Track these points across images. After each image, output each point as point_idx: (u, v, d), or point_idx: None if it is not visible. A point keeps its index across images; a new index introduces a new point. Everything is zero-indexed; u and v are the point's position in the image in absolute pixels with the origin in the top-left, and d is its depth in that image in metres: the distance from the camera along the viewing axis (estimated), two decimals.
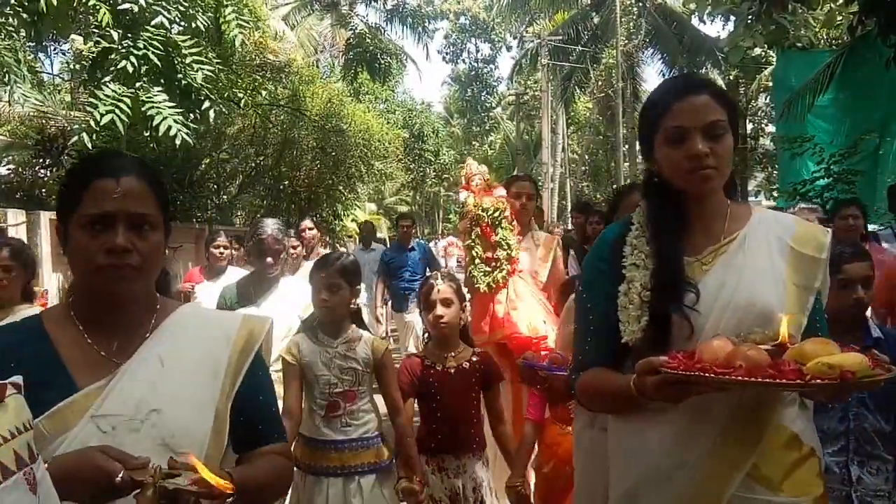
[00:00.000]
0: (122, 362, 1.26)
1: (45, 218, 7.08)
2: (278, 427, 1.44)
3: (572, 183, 30.03)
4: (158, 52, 6.45)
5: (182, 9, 6.80)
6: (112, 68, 6.50)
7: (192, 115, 6.80)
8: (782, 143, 8.88)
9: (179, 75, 6.67)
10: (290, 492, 2.36)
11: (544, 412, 2.76)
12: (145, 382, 1.25)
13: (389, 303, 7.63)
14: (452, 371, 2.78)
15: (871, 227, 5.44)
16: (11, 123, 10.25)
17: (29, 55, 8.62)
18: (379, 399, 2.80)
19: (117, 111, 6.07)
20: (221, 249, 4.83)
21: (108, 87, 6.33)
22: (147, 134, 6.56)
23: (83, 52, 7.52)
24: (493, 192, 3.86)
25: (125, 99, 6.17)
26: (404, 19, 20.56)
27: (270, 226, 3.39)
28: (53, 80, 12.08)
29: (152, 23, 6.51)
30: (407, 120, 25.66)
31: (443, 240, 13.38)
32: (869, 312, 2.54)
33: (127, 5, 6.41)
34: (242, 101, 8.74)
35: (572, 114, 28.40)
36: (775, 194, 11.60)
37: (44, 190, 9.96)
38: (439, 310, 2.76)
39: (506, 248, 3.72)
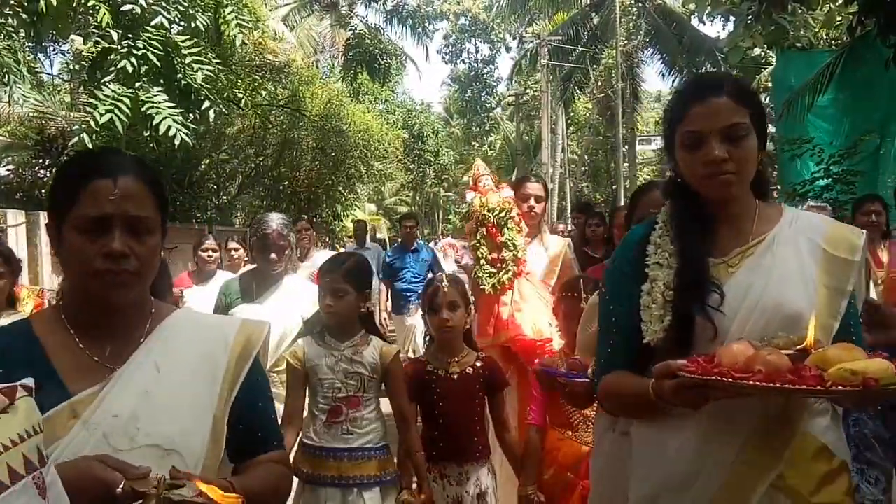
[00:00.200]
0: (115, 368, 1.22)
1: (45, 219, 7.06)
2: (277, 434, 1.41)
3: (572, 183, 30.03)
4: (158, 52, 6.44)
5: (182, 9, 6.79)
6: (112, 68, 6.50)
7: (191, 115, 6.80)
8: (782, 144, 8.88)
9: (179, 76, 6.66)
10: (290, 500, 2.28)
11: (545, 417, 2.71)
12: (140, 389, 1.21)
13: (389, 304, 7.50)
14: (456, 377, 2.69)
15: None
16: (11, 124, 10.26)
17: (28, 56, 8.63)
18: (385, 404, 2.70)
19: (117, 111, 6.07)
20: (210, 252, 4.69)
21: (107, 87, 6.33)
22: (147, 134, 6.55)
23: (83, 53, 7.52)
24: (500, 191, 3.75)
25: (125, 99, 6.17)
26: (404, 20, 20.57)
27: (275, 220, 3.25)
28: (53, 81, 12.08)
29: (152, 23, 6.51)
30: (407, 120, 25.70)
31: (441, 241, 13.33)
32: None
33: (127, 6, 6.41)
34: (242, 101, 8.73)
35: (572, 114, 28.40)
36: (775, 195, 11.60)
37: (43, 190, 9.95)
38: (445, 313, 2.67)
39: (512, 249, 3.63)
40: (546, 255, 3.86)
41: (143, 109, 6.29)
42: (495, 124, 37.94)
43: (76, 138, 6.45)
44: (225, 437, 1.26)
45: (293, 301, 3.18)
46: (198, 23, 6.81)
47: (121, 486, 1.03)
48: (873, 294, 3.48)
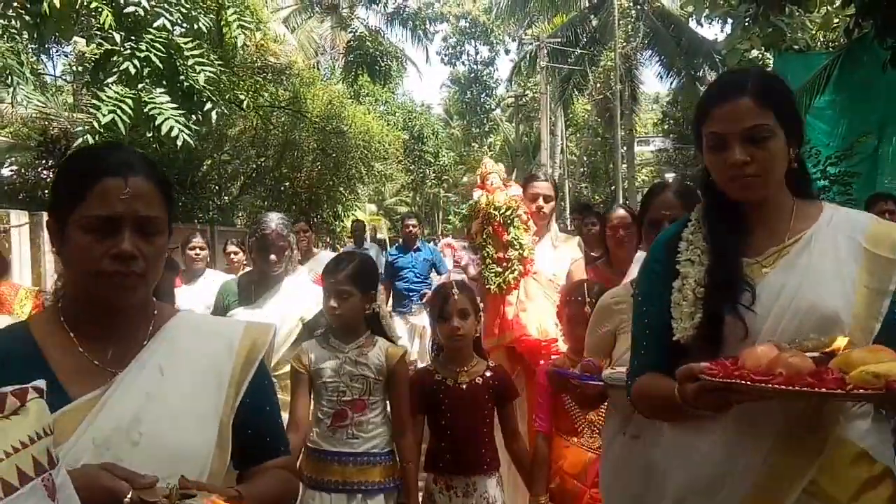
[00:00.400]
0: (117, 372, 1.18)
1: (46, 222, 7.09)
2: (284, 440, 1.37)
3: (571, 184, 30.07)
4: (161, 54, 6.46)
5: (184, 11, 6.82)
6: (114, 70, 6.52)
7: (194, 116, 6.83)
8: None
9: (181, 77, 6.69)
10: None
11: (552, 423, 2.64)
12: (143, 393, 1.17)
13: (390, 304, 7.44)
14: (464, 387, 2.59)
15: None
16: (14, 125, 10.30)
17: (31, 57, 8.67)
18: None
19: (119, 112, 6.08)
20: (197, 251, 4.60)
21: (110, 88, 6.36)
22: (149, 135, 6.59)
23: (85, 55, 7.56)
24: (507, 189, 3.67)
25: (127, 100, 6.18)
26: (405, 22, 20.61)
27: (274, 220, 3.15)
28: (56, 82, 12.12)
29: (154, 25, 6.53)
30: (407, 122, 25.73)
31: (441, 241, 13.35)
32: None
33: (129, 8, 6.44)
34: (244, 102, 8.77)
35: (571, 116, 28.46)
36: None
37: (46, 191, 9.99)
38: (455, 321, 2.56)
39: (518, 248, 3.56)
40: (554, 251, 3.76)
41: (145, 110, 6.32)
42: (495, 125, 37.99)
43: (79, 139, 6.48)
44: (230, 443, 1.22)
45: (293, 303, 3.10)
46: (200, 24, 6.84)
47: (128, 496, 1.00)
48: None
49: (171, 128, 6.25)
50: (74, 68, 9.96)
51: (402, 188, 28.23)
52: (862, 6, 6.98)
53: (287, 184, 13.50)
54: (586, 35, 23.66)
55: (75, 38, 8.28)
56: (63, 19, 6.75)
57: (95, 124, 6.19)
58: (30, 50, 8.60)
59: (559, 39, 23.59)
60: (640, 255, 3.50)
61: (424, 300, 6.83)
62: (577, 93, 25.09)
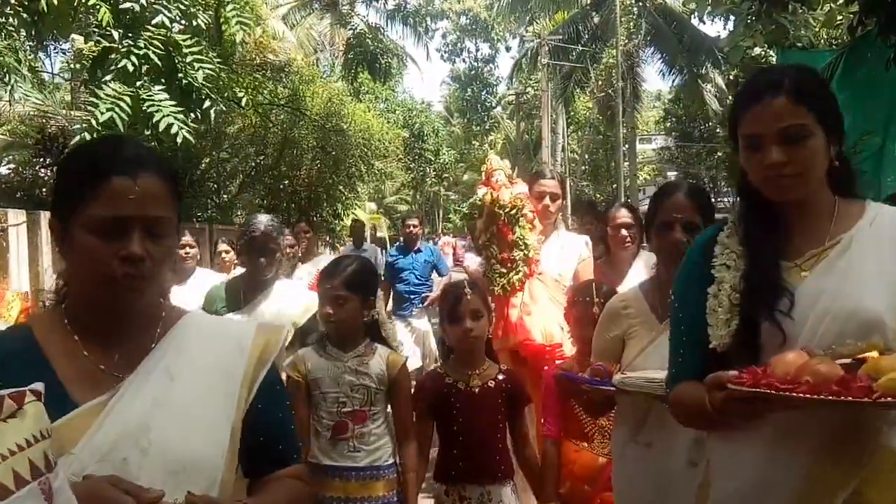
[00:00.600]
0: (124, 376, 1.14)
1: (46, 218, 7.07)
2: (297, 447, 1.32)
3: (572, 182, 30.03)
4: (159, 51, 6.41)
5: (182, 7, 6.78)
6: (112, 67, 6.49)
7: (192, 114, 6.79)
8: None
9: (180, 74, 6.65)
10: None
11: (561, 428, 2.59)
12: (151, 399, 1.13)
13: (390, 305, 7.23)
14: (477, 390, 2.50)
15: None
16: (12, 123, 10.27)
17: (29, 55, 8.62)
18: None
19: (117, 110, 6.05)
20: (187, 249, 4.45)
21: (108, 86, 6.32)
22: (148, 133, 6.54)
23: (84, 52, 7.52)
24: (513, 187, 3.52)
25: (125, 98, 6.15)
26: (405, 19, 20.55)
27: (263, 222, 3.06)
28: (53, 80, 12.08)
29: (153, 22, 6.49)
30: (407, 119, 25.69)
31: (440, 240, 13.31)
32: None
33: (127, 4, 6.39)
34: (243, 100, 8.72)
35: (572, 113, 28.42)
36: None
37: (44, 189, 9.96)
38: (468, 323, 2.47)
39: (523, 248, 3.43)
40: (561, 251, 3.63)
41: (143, 108, 6.28)
42: (496, 123, 37.96)
43: (77, 137, 6.44)
44: (240, 449, 1.19)
45: (284, 307, 2.99)
46: (199, 21, 6.80)
47: None
48: None
49: (170, 125, 6.20)
50: (72, 65, 9.92)
51: (402, 186, 28.20)
52: (866, 3, 6.92)
53: (286, 182, 13.47)
54: (588, 32, 23.61)
55: (73, 36, 8.23)
56: (61, 16, 6.70)
57: (93, 122, 6.14)
58: (27, 48, 8.57)
59: (560, 36, 23.53)
60: (643, 256, 3.45)
61: (426, 303, 6.79)
62: (578, 90, 25.05)
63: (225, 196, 13.46)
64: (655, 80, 27.39)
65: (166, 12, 6.53)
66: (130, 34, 6.53)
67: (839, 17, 10.66)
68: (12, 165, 10.52)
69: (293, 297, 3.07)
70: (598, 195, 28.30)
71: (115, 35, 6.49)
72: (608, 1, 22.55)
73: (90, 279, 1.13)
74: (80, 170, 1.14)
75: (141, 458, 1.08)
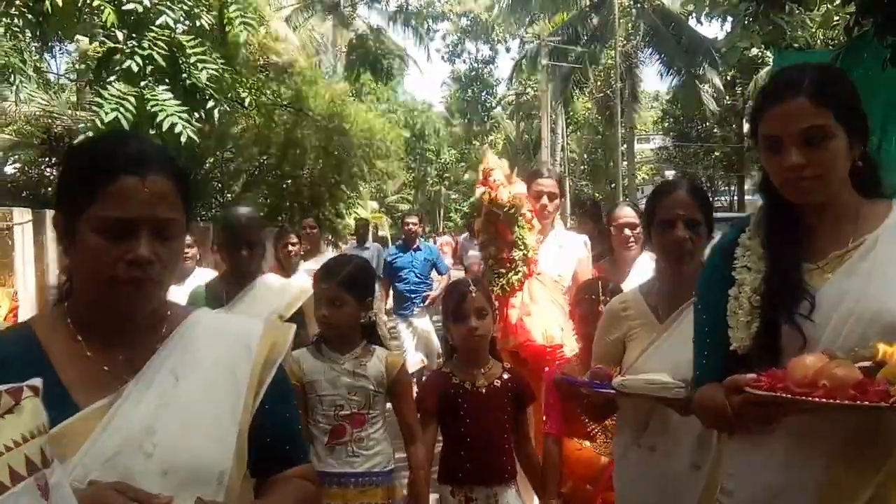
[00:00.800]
0: (128, 378, 1.10)
1: (51, 216, 7.12)
2: (305, 447, 1.31)
3: (571, 182, 30.09)
4: (163, 51, 6.45)
5: (186, 8, 6.84)
6: (117, 68, 6.54)
7: (196, 114, 6.85)
8: None
9: (184, 75, 6.70)
10: None
11: (563, 426, 2.54)
12: (157, 401, 1.09)
13: (390, 303, 7.21)
14: (484, 391, 2.44)
15: None
16: (17, 123, 10.33)
17: (34, 56, 8.70)
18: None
19: (122, 110, 6.10)
20: (185, 248, 4.35)
21: (112, 86, 6.38)
22: (152, 132, 6.62)
23: (88, 53, 7.58)
24: (511, 186, 3.47)
25: (130, 98, 6.20)
26: (407, 20, 20.62)
27: (243, 213, 2.94)
28: (59, 81, 12.15)
29: (157, 23, 6.54)
30: (408, 120, 25.74)
31: (439, 239, 13.31)
32: None
33: (131, 5, 6.44)
34: (246, 101, 8.78)
35: (571, 114, 28.46)
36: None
37: (50, 189, 10.04)
38: (473, 321, 2.41)
39: (522, 248, 3.37)
40: (560, 250, 3.58)
41: (148, 108, 6.34)
42: (496, 123, 38.00)
43: (82, 137, 6.50)
44: (247, 451, 1.15)
45: (267, 304, 2.83)
46: (202, 22, 6.85)
47: None
48: None
49: (174, 125, 6.25)
50: (77, 66, 10.00)
51: (403, 186, 28.25)
52: (862, 4, 6.96)
53: (289, 182, 13.51)
54: (587, 33, 23.66)
55: (78, 37, 8.30)
56: (65, 17, 6.75)
57: (98, 122, 6.21)
58: (33, 48, 8.64)
59: (560, 38, 23.59)
60: (646, 256, 3.32)
61: (427, 302, 6.80)
62: (577, 91, 25.10)
63: (229, 196, 13.50)
64: (654, 80, 27.45)
65: (170, 13, 6.58)
66: (134, 35, 6.57)
67: (836, 18, 10.70)
68: (18, 165, 10.59)
69: (278, 291, 2.94)
70: (597, 195, 28.34)
71: (120, 36, 6.54)
72: (607, 2, 22.61)
73: (95, 280, 1.09)
74: (87, 167, 1.10)
75: (146, 463, 1.05)
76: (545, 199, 3.57)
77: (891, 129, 8.68)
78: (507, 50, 38.94)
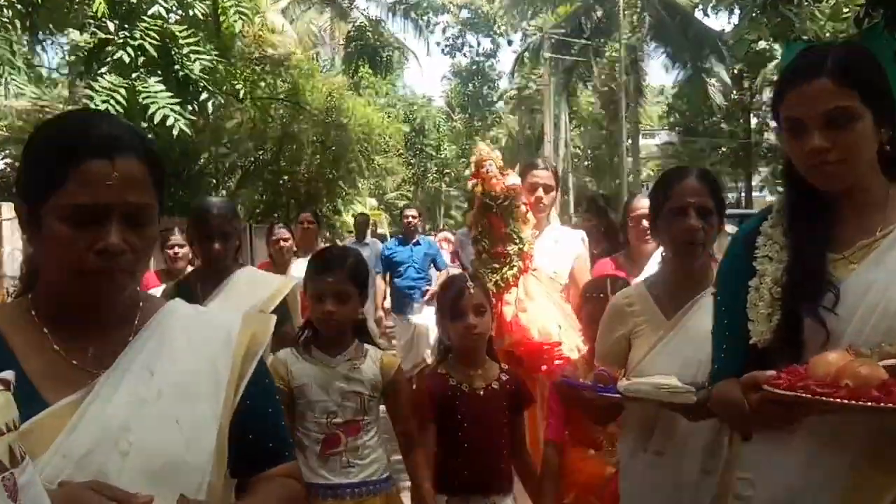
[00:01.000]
0: (99, 373, 1.04)
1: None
2: (288, 444, 1.24)
3: (575, 178, 29.95)
4: (155, 42, 6.36)
5: None
6: (108, 60, 6.42)
7: (189, 106, 6.72)
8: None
9: (177, 66, 6.58)
10: None
11: (564, 432, 2.41)
12: (131, 397, 1.03)
13: (388, 301, 7.07)
14: (481, 393, 2.32)
15: None
16: (8, 118, 10.21)
17: (23, 48, 8.55)
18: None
19: (112, 102, 5.99)
20: (176, 249, 4.27)
21: (104, 78, 6.26)
22: (144, 125, 6.48)
23: (80, 45, 7.46)
24: (505, 178, 3.31)
25: (121, 90, 6.09)
26: (406, 13, 20.48)
27: (215, 204, 2.78)
28: (51, 76, 12.03)
29: (149, 12, 6.44)
30: (408, 114, 25.60)
31: (438, 235, 13.17)
32: None
33: None
34: (241, 92, 8.65)
35: (575, 108, 28.34)
36: (780, 189, 11.52)
37: None
38: (471, 318, 2.29)
39: (517, 241, 3.24)
40: (555, 246, 3.43)
41: (139, 100, 6.21)
42: (497, 118, 37.87)
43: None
44: (227, 450, 1.10)
45: (244, 300, 2.67)
46: (196, 11, 6.72)
47: None
48: None
49: (166, 117, 6.14)
50: (69, 60, 9.86)
51: (403, 182, 28.14)
52: None
53: (286, 177, 13.43)
54: (591, 26, 23.52)
55: (71, 32, 8.17)
56: (56, 8, 6.64)
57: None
58: (24, 41, 8.48)
59: (563, 30, 23.43)
60: (662, 250, 3.27)
61: (426, 297, 6.63)
62: (581, 85, 24.98)
63: (224, 192, 13.37)
64: (659, 74, 27.29)
65: (163, 2, 6.49)
66: (126, 25, 6.48)
67: (845, 10, 10.59)
68: (9, 160, 10.48)
69: (257, 285, 2.77)
70: (601, 191, 28.24)
71: (111, 26, 6.44)
72: None
73: (62, 272, 1.03)
74: (51, 150, 1.02)
75: (121, 462, 0.99)
76: (540, 192, 3.42)
77: None
78: (510, 43, 38.67)
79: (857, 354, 1.17)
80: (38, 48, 10.69)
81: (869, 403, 1.08)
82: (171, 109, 6.18)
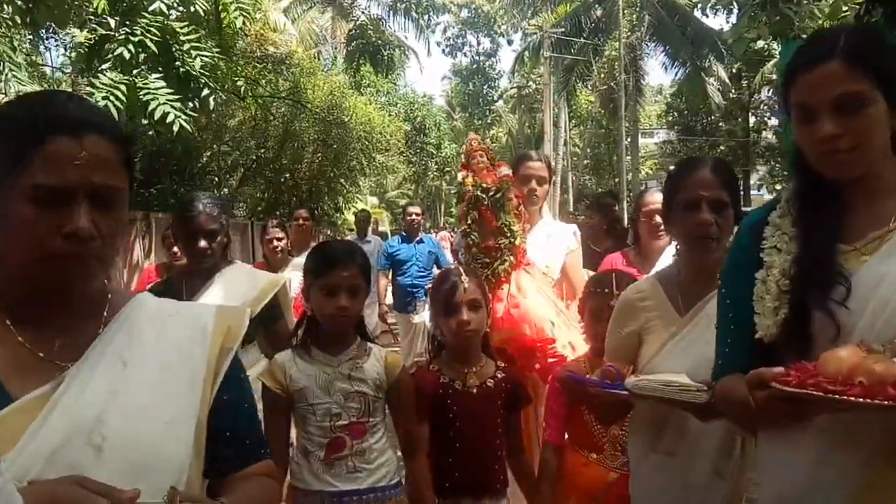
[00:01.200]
0: (68, 365, 0.98)
1: None
2: (265, 441, 1.19)
3: (574, 177, 29.95)
4: (156, 38, 6.33)
5: None
6: (109, 56, 6.41)
7: (191, 103, 6.70)
8: (789, 134, 8.80)
9: (177, 63, 6.56)
10: None
11: (564, 434, 2.31)
12: (104, 389, 0.98)
13: (390, 299, 6.94)
14: (475, 391, 2.22)
15: None
16: None
17: (26, 46, 8.55)
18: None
19: (112, 98, 5.97)
20: (174, 249, 4.14)
21: (104, 75, 6.25)
22: (145, 122, 6.46)
23: (82, 42, 7.45)
24: (496, 170, 3.18)
25: (121, 86, 6.07)
26: (407, 12, 20.45)
27: (202, 201, 2.62)
28: (54, 75, 12.01)
29: (149, 9, 6.41)
30: (408, 113, 25.56)
31: (437, 234, 13.10)
32: None
33: None
34: (242, 89, 8.63)
35: (574, 107, 28.32)
36: (777, 187, 11.51)
37: None
38: (465, 314, 2.20)
39: (509, 235, 3.08)
40: (547, 241, 3.32)
41: (140, 97, 6.20)
42: (497, 117, 37.87)
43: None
44: (204, 447, 1.05)
45: (231, 300, 2.58)
46: (197, 7, 6.70)
47: None
48: None
49: (167, 114, 6.12)
50: (71, 58, 9.85)
51: (403, 181, 28.14)
52: None
53: (287, 175, 13.42)
54: (590, 25, 23.49)
55: (74, 30, 8.16)
56: (57, 5, 6.62)
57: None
58: (27, 39, 8.48)
59: (563, 29, 23.40)
60: (674, 247, 3.21)
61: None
62: (580, 84, 24.96)
63: (226, 189, 13.39)
64: (658, 73, 27.26)
65: None
66: (127, 21, 6.45)
67: (844, 8, 10.55)
68: None
69: (245, 283, 2.66)
70: (600, 189, 28.24)
71: (112, 23, 6.42)
72: None
73: (27, 258, 0.95)
74: (14, 128, 0.96)
75: (95, 458, 0.93)
76: (534, 183, 3.30)
77: None
78: (509, 42, 38.72)
79: (868, 350, 1.12)
80: (42, 47, 10.71)
81: (886, 402, 1.03)
82: (172, 106, 6.15)
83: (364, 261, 2.16)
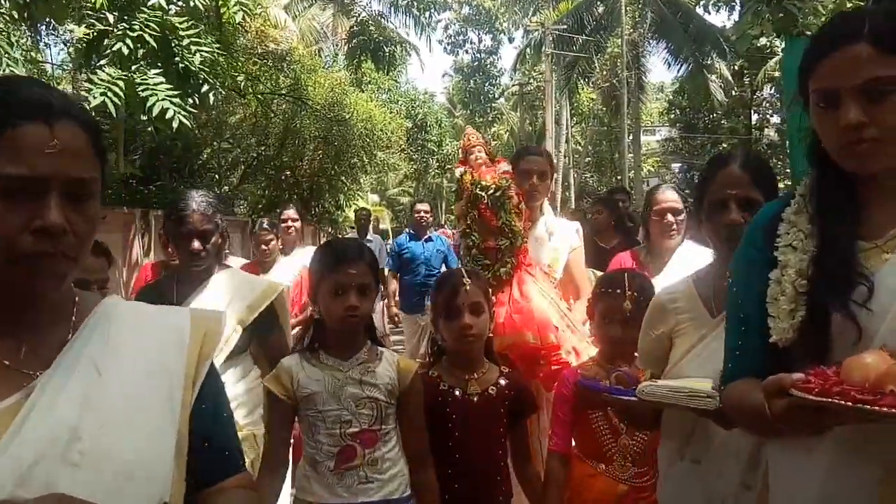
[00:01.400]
0: (36, 373, 0.91)
1: None
2: (242, 451, 1.15)
3: (576, 174, 29.89)
4: (155, 33, 6.29)
5: None
6: (107, 52, 6.36)
7: (190, 99, 6.64)
8: (792, 132, 8.72)
9: (177, 58, 6.50)
10: None
11: (570, 442, 2.21)
12: (78, 399, 0.91)
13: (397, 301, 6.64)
14: (476, 398, 2.13)
15: None
16: None
17: (25, 41, 8.50)
18: None
19: (110, 94, 5.91)
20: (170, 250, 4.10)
21: (103, 70, 6.19)
22: (144, 117, 6.41)
23: (81, 38, 7.40)
24: (495, 166, 3.07)
25: (119, 82, 6.02)
26: (408, 8, 20.37)
27: (195, 199, 2.49)
28: (54, 72, 11.97)
29: (148, 4, 6.37)
30: (410, 110, 25.50)
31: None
32: None
33: None
34: (242, 85, 8.58)
35: (576, 104, 28.25)
36: (780, 185, 11.45)
37: None
38: (467, 317, 2.11)
39: (510, 235, 2.97)
40: (548, 239, 3.21)
41: (138, 92, 6.14)
42: (499, 114, 37.81)
43: None
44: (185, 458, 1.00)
45: (224, 303, 2.47)
46: (196, 2, 6.65)
47: None
48: None
49: (166, 110, 6.06)
50: (71, 54, 9.80)
51: (404, 178, 28.10)
52: None
53: (288, 173, 13.39)
54: (592, 22, 23.39)
55: (72, 25, 8.11)
56: (55, 0, 6.57)
57: (86, 106, 6.00)
58: (27, 37, 8.44)
59: (564, 26, 23.31)
60: (686, 247, 3.01)
61: None
62: (582, 81, 24.86)
63: (226, 187, 13.36)
64: (660, 70, 27.15)
65: None
66: (126, 17, 6.41)
67: (848, 5, 10.49)
68: None
69: (240, 289, 2.54)
70: (602, 187, 28.17)
71: (110, 18, 6.37)
72: None
73: None
74: None
75: (72, 474, 0.86)
76: (535, 179, 3.16)
77: None
78: (511, 40, 38.67)
79: (892, 355, 1.04)
80: (42, 45, 10.66)
81: None
82: (171, 102, 6.10)
83: (373, 258, 2.07)
